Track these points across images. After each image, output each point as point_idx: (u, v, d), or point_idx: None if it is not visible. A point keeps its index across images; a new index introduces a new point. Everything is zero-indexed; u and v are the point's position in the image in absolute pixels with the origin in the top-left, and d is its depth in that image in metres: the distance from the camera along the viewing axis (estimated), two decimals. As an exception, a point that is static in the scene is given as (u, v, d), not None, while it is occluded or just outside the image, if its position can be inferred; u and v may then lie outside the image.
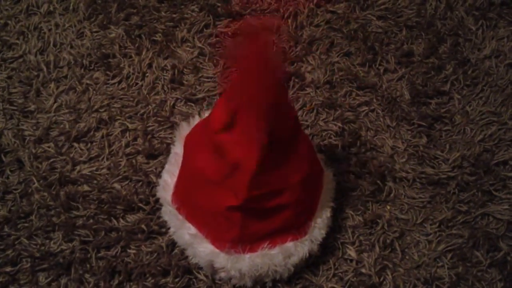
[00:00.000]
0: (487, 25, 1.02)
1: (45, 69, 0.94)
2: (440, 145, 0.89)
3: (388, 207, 0.83)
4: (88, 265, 0.77)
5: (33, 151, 0.85)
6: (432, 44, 0.99)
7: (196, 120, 0.82)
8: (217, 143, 0.69)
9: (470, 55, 0.99)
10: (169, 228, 0.78)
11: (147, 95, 0.92)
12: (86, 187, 0.83)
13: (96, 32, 0.99)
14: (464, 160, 0.87)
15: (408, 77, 0.95)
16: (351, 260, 0.79)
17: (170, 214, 0.77)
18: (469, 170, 0.86)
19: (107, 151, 0.86)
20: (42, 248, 0.78)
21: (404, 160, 0.87)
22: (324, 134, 0.89)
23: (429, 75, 0.96)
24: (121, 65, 0.95)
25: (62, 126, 0.88)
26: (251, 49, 0.62)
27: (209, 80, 0.94)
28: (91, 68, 0.95)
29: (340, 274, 0.78)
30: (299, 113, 0.91)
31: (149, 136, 0.88)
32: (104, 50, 0.96)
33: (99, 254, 0.78)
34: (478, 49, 0.99)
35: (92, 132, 0.88)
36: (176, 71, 0.94)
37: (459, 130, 0.91)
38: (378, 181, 0.84)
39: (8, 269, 0.76)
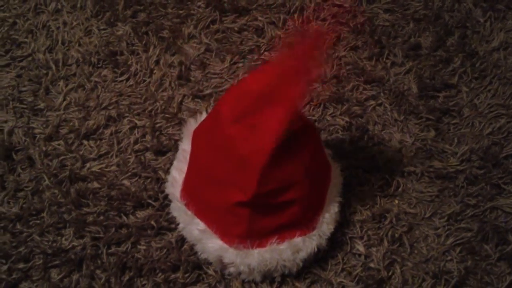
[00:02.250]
0: (495, 17, 1.01)
1: (54, 67, 0.95)
2: (448, 138, 0.89)
3: (396, 201, 0.83)
4: (99, 261, 0.78)
5: (43, 148, 0.86)
6: (440, 37, 0.99)
7: (203, 116, 0.82)
8: (226, 137, 0.69)
9: (478, 47, 0.98)
10: (178, 224, 0.78)
11: (154, 92, 0.92)
12: (96, 184, 0.83)
13: (104, 29, 0.99)
14: (473, 154, 0.87)
15: (415, 71, 0.95)
16: (360, 255, 0.79)
17: (179, 210, 0.77)
18: (478, 164, 0.86)
19: (116, 148, 0.87)
20: (54, 244, 0.79)
21: (412, 154, 0.87)
22: (331, 128, 0.89)
23: (437, 68, 0.95)
24: (129, 62, 0.95)
25: (71, 123, 0.89)
26: (300, 48, 0.64)
27: (216, 76, 0.94)
28: (99, 65, 0.96)
29: (348, 268, 0.78)
30: (306, 107, 0.91)
31: (157, 133, 0.88)
32: (111, 48, 0.97)
33: (110, 250, 0.78)
34: (486, 41, 0.99)
35: (101, 129, 0.89)
36: (183, 67, 0.94)
37: (468, 123, 0.90)
38: (386, 175, 0.84)
39: (21, 265, 0.77)
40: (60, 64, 0.95)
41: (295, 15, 0.99)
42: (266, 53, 0.96)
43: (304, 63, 0.66)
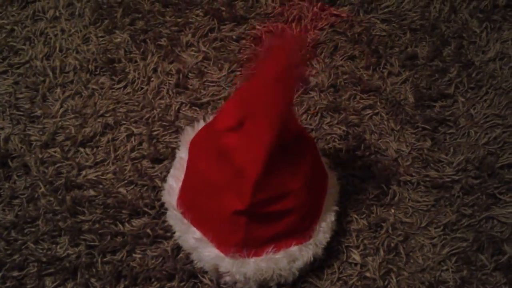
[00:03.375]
0: (492, 28, 1.02)
1: (51, 74, 0.95)
2: (445, 148, 0.89)
3: (393, 211, 0.84)
4: (94, 270, 0.77)
5: (40, 156, 0.86)
6: (436, 47, 0.99)
7: (201, 125, 0.82)
8: (221, 146, 0.69)
9: (474, 57, 0.98)
10: (174, 233, 0.78)
11: (152, 100, 0.92)
12: (92, 192, 0.83)
13: (102, 37, 1.00)
14: (469, 163, 0.87)
15: (412, 80, 0.95)
16: (356, 264, 0.79)
17: (175, 218, 0.77)
18: (474, 173, 0.86)
19: (112, 155, 0.87)
20: (49, 252, 0.78)
21: (408, 163, 0.87)
22: (328, 137, 0.89)
23: (433, 78, 0.96)
24: (127, 70, 0.96)
25: (68, 131, 0.89)
26: (277, 57, 0.64)
27: (213, 84, 0.95)
28: (96, 73, 0.96)
29: (344, 278, 0.78)
30: (304, 117, 0.92)
31: (154, 141, 0.88)
32: (109, 55, 0.97)
33: (105, 259, 0.78)
34: (483, 52, 0.99)
35: (97, 137, 0.89)
36: (181, 75, 0.95)
37: (464, 133, 0.91)
38: (383, 185, 0.85)
39: (15, 273, 0.77)
40: (58, 71, 0.95)
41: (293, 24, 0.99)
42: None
43: (291, 66, 0.65)
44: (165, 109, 0.91)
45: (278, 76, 0.65)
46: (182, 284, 0.76)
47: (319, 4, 1.03)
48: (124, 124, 0.90)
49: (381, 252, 0.80)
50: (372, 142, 0.89)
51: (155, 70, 0.96)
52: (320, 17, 1.02)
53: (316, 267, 0.78)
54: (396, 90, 0.95)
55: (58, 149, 0.87)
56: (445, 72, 0.97)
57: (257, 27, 1.01)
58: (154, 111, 0.91)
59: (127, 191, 0.83)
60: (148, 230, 0.80)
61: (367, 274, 0.78)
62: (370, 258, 0.79)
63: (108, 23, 1.01)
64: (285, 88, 0.66)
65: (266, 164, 0.67)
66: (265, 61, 0.66)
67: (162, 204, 0.81)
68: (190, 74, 0.96)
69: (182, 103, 0.92)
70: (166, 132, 0.89)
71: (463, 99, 0.94)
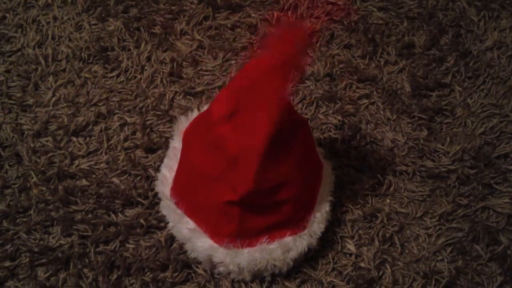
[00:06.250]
0: (489, 16, 1.01)
1: (43, 62, 0.94)
2: (441, 138, 0.88)
3: (388, 201, 0.83)
4: (86, 260, 0.77)
5: (32, 145, 0.85)
6: (434, 36, 0.98)
7: (195, 114, 0.82)
8: (215, 136, 0.69)
9: (471, 46, 0.98)
10: (167, 223, 0.78)
11: (145, 89, 0.91)
12: (84, 182, 0.82)
13: (95, 24, 0.98)
14: (465, 153, 0.87)
15: (409, 69, 0.95)
16: (350, 254, 0.79)
17: (168, 208, 0.76)
18: (470, 163, 0.86)
19: (105, 145, 0.86)
20: (41, 242, 0.78)
21: (404, 153, 0.87)
22: (324, 127, 0.89)
23: (430, 67, 0.95)
24: (120, 58, 0.94)
25: (60, 120, 0.88)
26: (277, 46, 0.63)
27: (208, 73, 0.94)
28: (89, 61, 0.94)
29: (339, 268, 0.78)
30: (299, 106, 0.91)
31: (147, 130, 0.87)
32: (102, 43, 0.96)
33: (98, 249, 0.78)
34: (480, 41, 0.98)
35: (90, 126, 0.88)
36: (175, 64, 0.93)
37: (460, 123, 0.90)
38: (378, 175, 0.84)
39: (7, 264, 0.76)
40: (50, 59, 0.94)
41: (289, 12, 0.98)
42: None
43: (291, 55, 0.65)
44: (158, 98, 0.90)
45: (276, 66, 0.64)
46: (175, 274, 0.76)
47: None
48: (117, 113, 0.89)
49: (376, 242, 0.79)
50: (368, 131, 0.88)
51: (148, 59, 0.94)
52: (316, 5, 1.01)
53: (310, 257, 0.77)
54: (393, 79, 0.94)
55: (50, 138, 0.86)
56: (442, 61, 0.96)
57: (252, 15, 1.00)
58: (148, 100, 0.90)
59: (120, 181, 0.83)
60: (142, 220, 0.79)
61: (362, 264, 0.78)
62: (365, 248, 0.79)
63: (101, 11, 0.99)
64: (282, 78, 0.65)
65: (265, 155, 0.66)
66: (264, 50, 0.66)
67: (156, 194, 0.80)
68: (184, 62, 0.94)
69: (176, 92, 0.91)
70: (159, 122, 0.88)
71: (460, 89, 0.93)
